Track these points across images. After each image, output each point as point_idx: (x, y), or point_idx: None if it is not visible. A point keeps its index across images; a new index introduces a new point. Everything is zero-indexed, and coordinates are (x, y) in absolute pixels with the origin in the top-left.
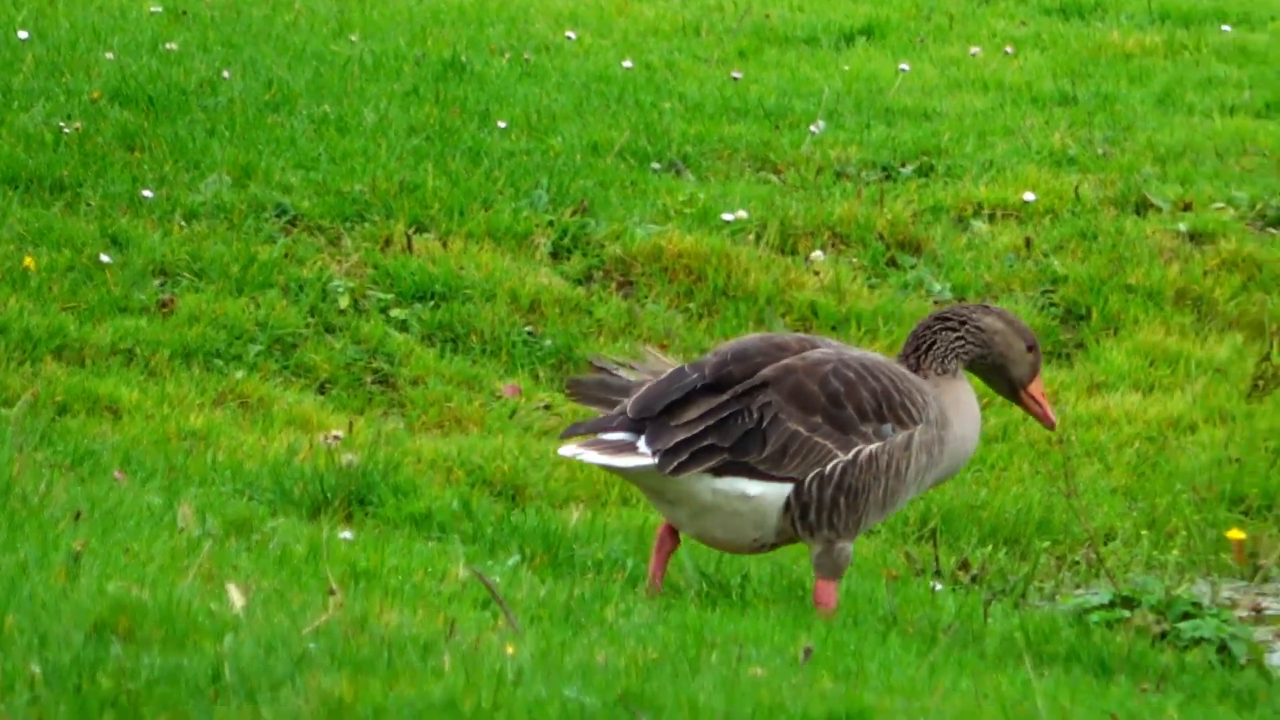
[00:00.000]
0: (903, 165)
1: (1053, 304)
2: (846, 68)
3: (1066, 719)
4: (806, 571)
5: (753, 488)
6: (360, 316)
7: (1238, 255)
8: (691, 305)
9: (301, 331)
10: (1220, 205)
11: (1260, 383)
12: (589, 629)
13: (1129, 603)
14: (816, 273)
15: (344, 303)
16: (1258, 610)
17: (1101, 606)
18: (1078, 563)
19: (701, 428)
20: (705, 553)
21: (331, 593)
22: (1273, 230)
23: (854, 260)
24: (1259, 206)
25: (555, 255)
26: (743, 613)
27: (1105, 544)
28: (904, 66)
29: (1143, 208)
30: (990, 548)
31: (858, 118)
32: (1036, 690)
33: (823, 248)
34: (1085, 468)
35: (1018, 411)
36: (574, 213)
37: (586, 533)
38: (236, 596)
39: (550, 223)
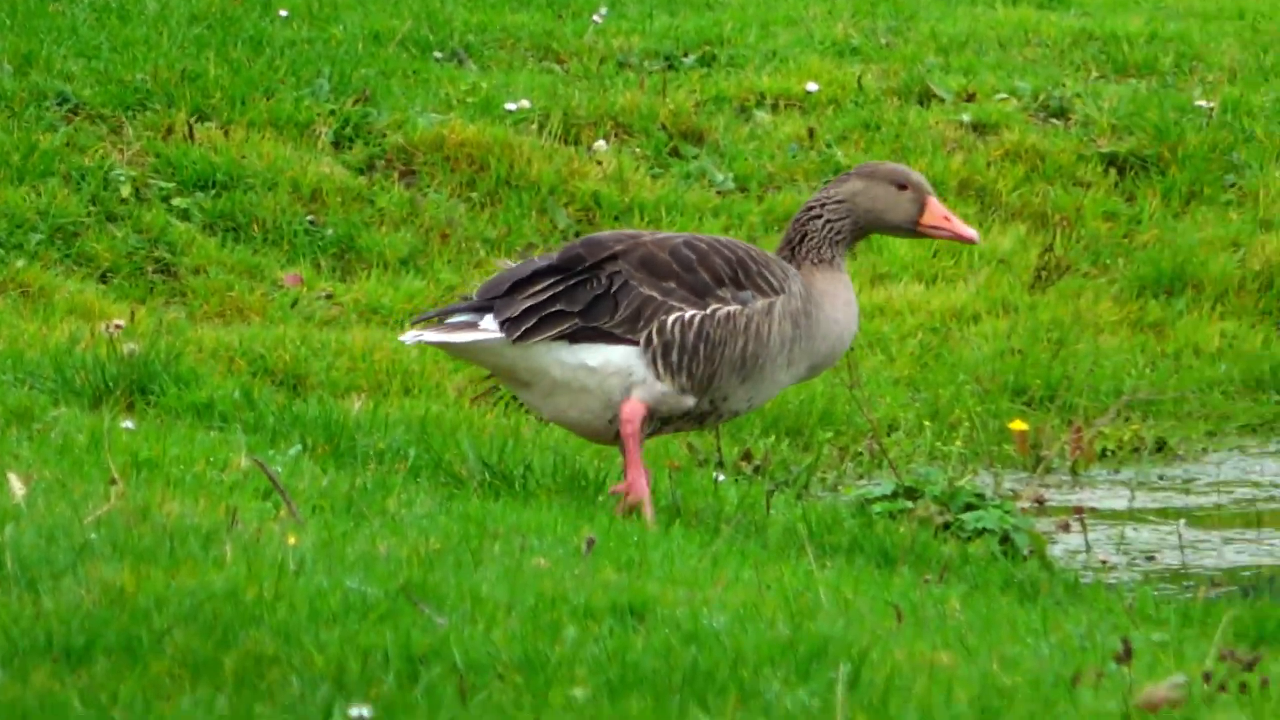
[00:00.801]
0: (685, 55)
1: None
2: None
3: (849, 609)
4: (589, 462)
5: (595, 356)
6: (142, 205)
7: (1021, 146)
8: (474, 195)
9: (83, 220)
10: (1003, 96)
11: (1043, 274)
12: (371, 519)
13: (912, 494)
14: (599, 162)
15: (125, 191)
16: (1040, 501)
17: (884, 497)
18: (861, 454)
19: (548, 295)
20: (487, 442)
21: (113, 482)
22: (1055, 121)
23: (637, 150)
24: (1041, 97)
25: (337, 144)
26: (525, 503)
27: (888, 435)
28: None
29: (926, 98)
30: (773, 439)
31: (640, 6)
32: (819, 581)
33: (606, 138)
34: (868, 359)
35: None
36: (356, 102)
37: (369, 423)
38: (17, 486)
39: (332, 112)
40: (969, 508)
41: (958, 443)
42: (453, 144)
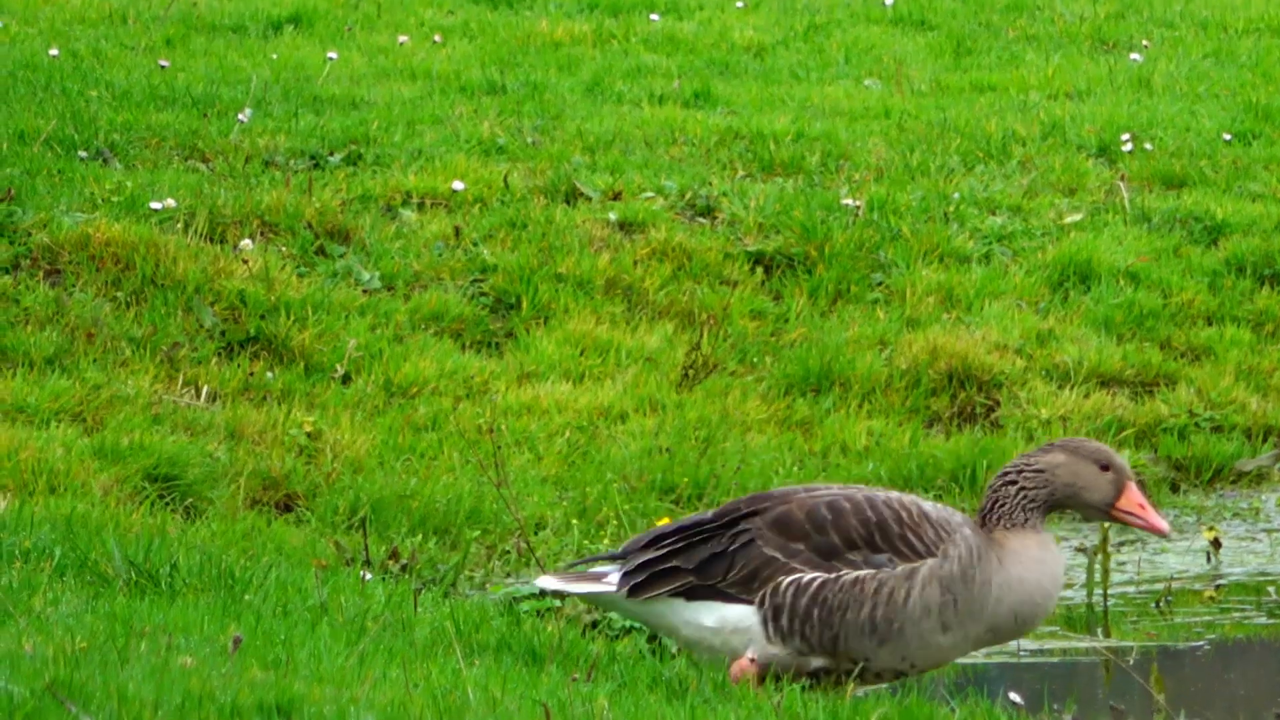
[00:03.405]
0: (331, 154)
1: (483, 293)
2: (275, 56)
3: (496, 708)
4: (236, 561)
5: (711, 615)
6: None
7: (668, 244)
8: (120, 294)
9: None
10: (650, 194)
11: (690, 372)
12: (17, 618)
13: (559, 592)
14: (245, 261)
15: None
16: None
17: (531, 596)
18: (508, 552)
19: (667, 550)
20: (133, 540)
21: None
22: (701, 220)
23: (283, 249)
24: (688, 196)
25: None
26: (172, 602)
27: (536, 533)
28: (332, 55)
29: (573, 196)
30: (420, 537)
31: (286, 106)
32: (467, 679)
33: (251, 236)
34: (515, 457)
35: (447, 400)
36: (0, 201)
37: (14, 521)
38: None
39: None
40: None
41: (605, 541)
42: (98, 243)
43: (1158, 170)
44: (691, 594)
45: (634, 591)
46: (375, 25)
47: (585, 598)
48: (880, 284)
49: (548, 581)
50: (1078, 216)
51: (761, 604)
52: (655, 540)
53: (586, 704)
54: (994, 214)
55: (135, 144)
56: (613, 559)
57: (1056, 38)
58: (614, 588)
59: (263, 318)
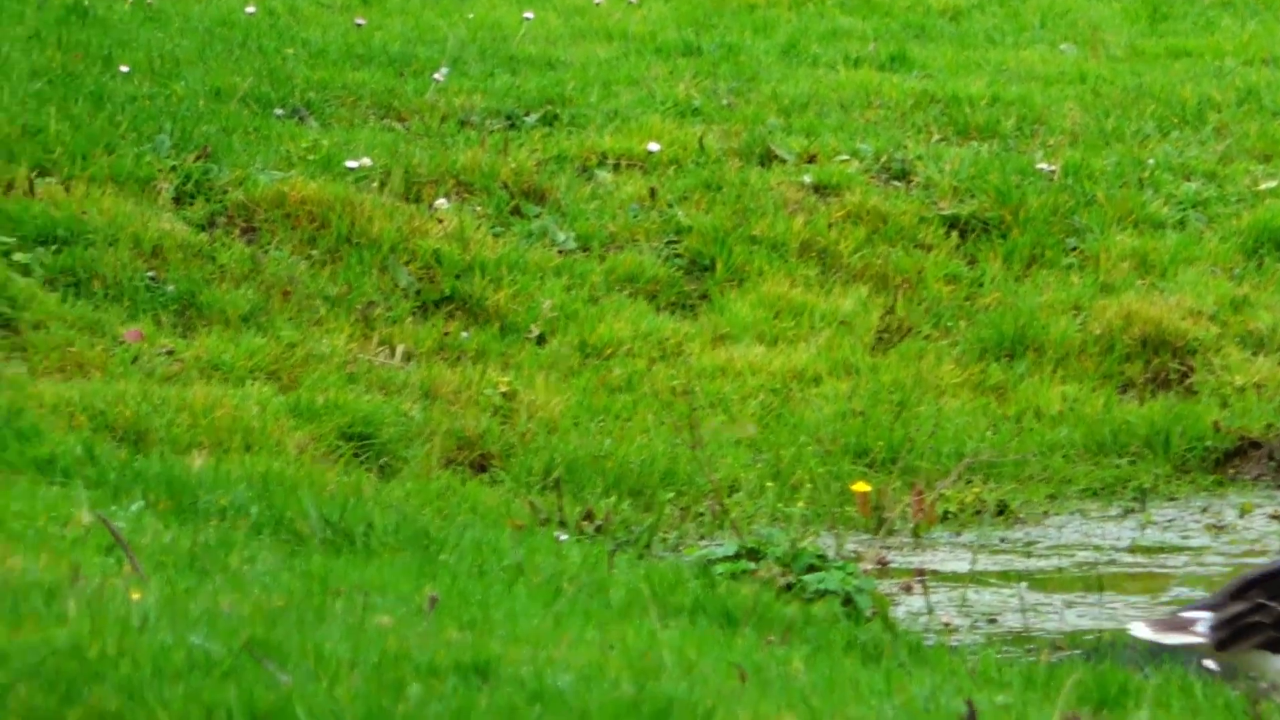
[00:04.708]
0: (527, 114)
1: (677, 255)
2: (471, 15)
3: (691, 670)
4: (431, 520)
5: None
6: None
7: (862, 208)
8: (315, 252)
9: None
10: (845, 158)
11: (884, 335)
12: (214, 576)
13: (754, 554)
14: (440, 221)
15: None
16: (883, 563)
17: (727, 558)
18: (703, 514)
19: (1256, 601)
20: (329, 499)
21: None
22: (896, 183)
23: (478, 209)
24: (883, 159)
25: (178, 201)
26: (368, 561)
27: (730, 495)
28: (528, 15)
29: (767, 159)
30: (615, 498)
31: (482, 65)
32: (662, 641)
33: (447, 196)
34: (710, 419)
35: (641, 362)
36: (197, 158)
37: (210, 479)
38: None
39: (173, 168)
40: (811, 569)
41: (800, 504)
42: (294, 201)
43: None
44: (1276, 646)
45: (1222, 645)
46: None
47: (1175, 648)
48: (1074, 249)
49: (1140, 630)
50: (1273, 183)
51: None
52: (1244, 588)
53: (781, 667)
54: (1189, 180)
55: (331, 102)
56: (1205, 605)
57: (1253, 4)
58: (1202, 639)
59: (458, 277)
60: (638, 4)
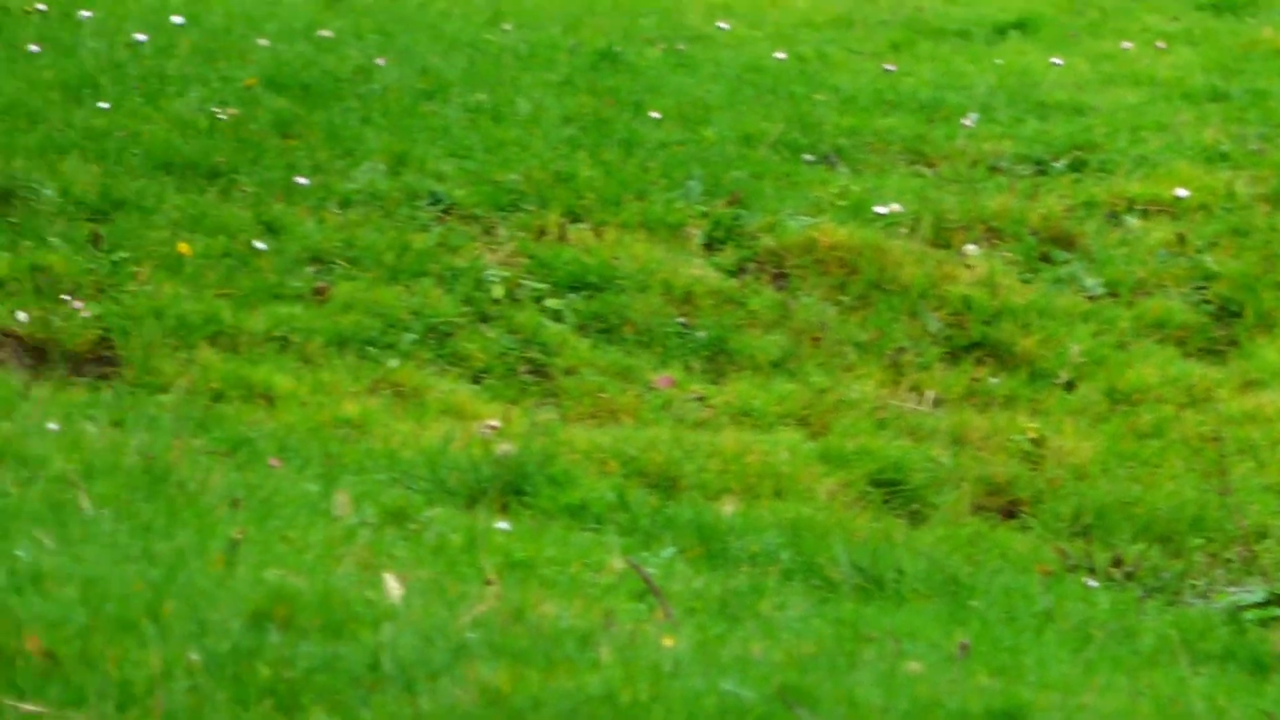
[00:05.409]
0: (1055, 159)
1: (1205, 301)
2: (999, 61)
3: (1222, 717)
4: (960, 566)
5: None
6: (514, 306)
7: None
8: (844, 298)
9: (456, 320)
10: None
11: None
12: (745, 622)
13: None
14: (970, 266)
15: (498, 292)
16: None
17: (1256, 604)
18: (1231, 560)
19: None
20: (859, 545)
21: (489, 583)
22: None
23: (1007, 255)
24: None
25: (708, 246)
26: (898, 607)
27: (1259, 542)
28: (1056, 60)
29: None
30: (1144, 545)
31: (1011, 111)
32: (1192, 688)
33: (976, 241)
34: (1238, 465)
35: (1169, 408)
36: (727, 204)
37: (741, 525)
38: (394, 586)
39: (703, 214)
40: None
41: None
42: (824, 246)
43: None
44: None
45: None
46: (1099, 31)
47: None
48: None
49: None
50: None
51: None
52: None
53: None
54: None
55: (860, 148)
56: None
57: None
58: None
59: (986, 323)
60: (1165, 50)
